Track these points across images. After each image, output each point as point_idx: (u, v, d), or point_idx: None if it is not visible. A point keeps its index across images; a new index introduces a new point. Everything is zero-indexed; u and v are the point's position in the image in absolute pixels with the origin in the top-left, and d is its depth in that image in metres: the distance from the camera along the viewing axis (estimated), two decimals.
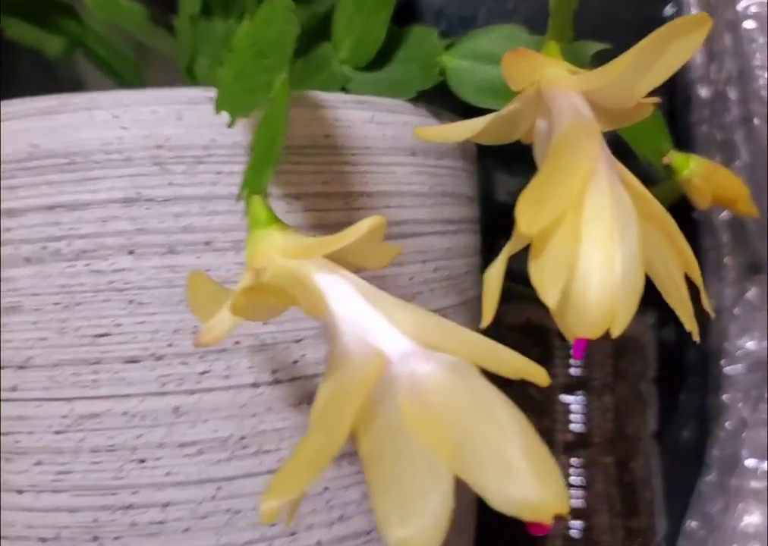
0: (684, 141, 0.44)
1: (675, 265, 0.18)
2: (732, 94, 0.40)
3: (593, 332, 0.16)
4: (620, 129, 0.26)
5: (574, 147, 0.17)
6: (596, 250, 0.16)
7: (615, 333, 0.16)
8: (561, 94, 0.19)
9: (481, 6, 0.44)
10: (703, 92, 0.41)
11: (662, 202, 0.32)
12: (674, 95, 0.44)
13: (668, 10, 0.44)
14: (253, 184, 0.18)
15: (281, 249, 0.17)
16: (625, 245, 0.17)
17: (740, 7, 0.38)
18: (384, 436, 0.16)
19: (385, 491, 0.15)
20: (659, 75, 0.18)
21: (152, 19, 0.39)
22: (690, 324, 0.17)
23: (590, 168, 0.17)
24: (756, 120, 0.39)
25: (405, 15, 0.44)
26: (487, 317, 0.18)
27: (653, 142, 0.27)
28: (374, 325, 0.17)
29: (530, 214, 0.16)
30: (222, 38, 0.35)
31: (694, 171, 0.27)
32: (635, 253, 0.17)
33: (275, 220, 0.18)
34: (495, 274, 0.17)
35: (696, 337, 0.17)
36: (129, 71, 0.36)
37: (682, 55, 0.18)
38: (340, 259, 0.18)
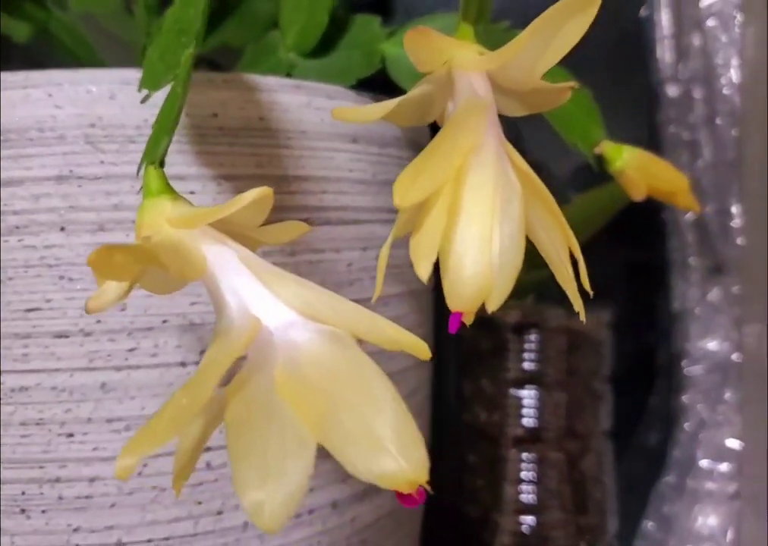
0: (654, 141, 0.44)
1: (561, 244, 0.18)
2: (697, 93, 0.39)
3: (467, 306, 0.16)
4: (549, 116, 0.27)
5: (461, 124, 0.17)
6: (474, 225, 0.16)
7: (491, 308, 0.17)
8: (464, 75, 0.19)
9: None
10: (671, 91, 0.41)
11: (614, 202, 0.32)
12: (646, 97, 0.44)
13: (643, 11, 0.44)
14: (149, 154, 0.18)
15: (170, 218, 0.17)
16: (506, 221, 0.17)
17: (703, 4, 0.38)
18: (254, 403, 0.16)
19: (247, 455, 0.15)
20: (555, 54, 0.18)
21: (126, 8, 0.40)
22: (575, 302, 0.17)
23: (473, 144, 0.17)
24: (719, 120, 0.39)
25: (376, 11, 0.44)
26: (377, 292, 0.18)
27: (584, 130, 0.27)
28: (256, 295, 0.17)
29: (405, 187, 0.16)
30: None
31: (627, 161, 0.27)
32: (516, 230, 0.17)
33: (167, 190, 0.18)
34: (384, 252, 0.18)
35: (582, 317, 0.17)
36: (91, 58, 0.36)
37: (575, 34, 0.18)
38: (237, 234, 0.18)
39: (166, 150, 0.19)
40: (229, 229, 0.18)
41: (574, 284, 0.17)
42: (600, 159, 0.28)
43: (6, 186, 0.25)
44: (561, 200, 0.39)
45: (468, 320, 0.17)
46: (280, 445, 0.16)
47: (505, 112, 0.21)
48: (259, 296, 0.17)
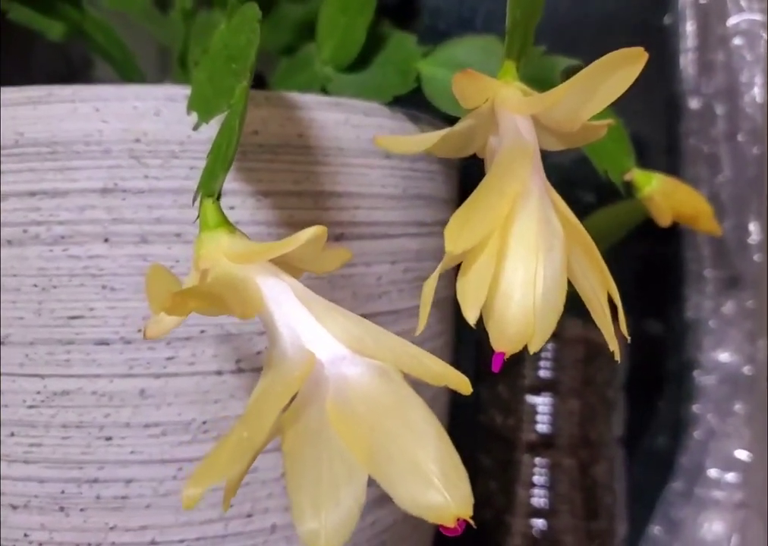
0: (674, 152, 0.44)
1: (600, 287, 0.18)
2: (719, 109, 0.40)
3: (511, 347, 0.17)
4: (583, 146, 0.27)
5: (507, 170, 0.18)
6: (519, 269, 0.17)
7: (533, 349, 0.17)
8: (508, 115, 0.20)
9: (480, 6, 0.45)
10: (693, 104, 0.42)
11: (632, 217, 0.33)
12: (668, 107, 0.45)
13: (667, 19, 0.45)
14: (206, 187, 0.19)
15: (227, 252, 0.18)
16: (549, 265, 0.17)
17: (730, 23, 0.38)
18: (307, 434, 0.17)
19: (302, 486, 0.16)
20: (600, 102, 0.19)
21: (161, 8, 0.40)
22: (611, 343, 0.18)
23: (519, 191, 0.17)
24: (740, 136, 0.39)
25: (403, 13, 0.45)
26: (420, 325, 0.19)
27: (615, 159, 0.27)
28: (308, 329, 0.18)
29: (456, 233, 0.17)
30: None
31: (656, 188, 0.28)
32: (558, 274, 0.18)
33: (224, 223, 0.19)
34: (430, 286, 0.18)
35: (617, 357, 0.18)
36: (125, 58, 0.37)
37: (621, 85, 0.18)
38: (285, 264, 0.19)
39: (222, 184, 0.19)
40: (279, 260, 0.19)
41: (611, 327, 0.18)
42: (629, 185, 0.28)
43: (52, 197, 0.26)
44: (585, 211, 0.40)
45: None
46: (332, 475, 0.16)
47: (543, 147, 0.22)
48: (312, 330, 0.18)
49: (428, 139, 0.21)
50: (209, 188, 0.19)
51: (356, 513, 0.16)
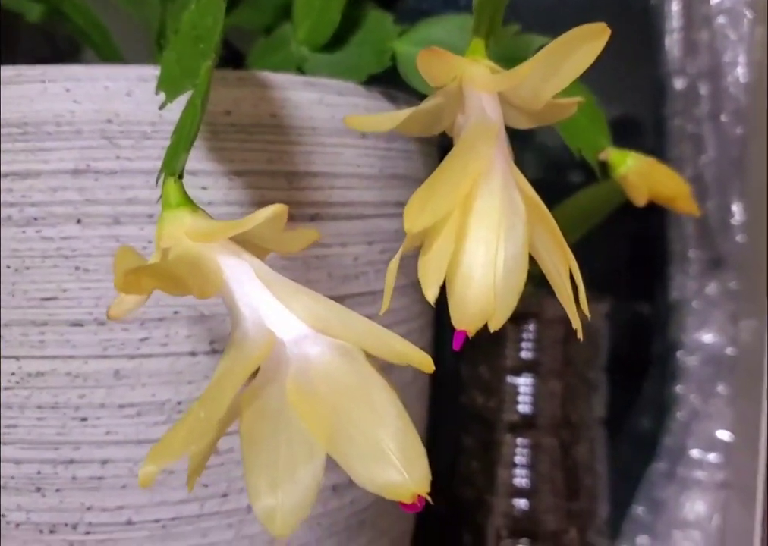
0: (659, 132, 0.44)
1: (562, 266, 0.18)
2: (703, 89, 0.40)
3: (471, 326, 0.17)
4: (555, 124, 0.27)
5: (470, 148, 0.18)
6: (480, 248, 0.17)
7: (493, 327, 0.17)
8: (474, 93, 0.20)
9: None
10: (678, 84, 0.41)
11: (615, 197, 0.33)
12: (653, 87, 0.44)
13: None
14: (169, 166, 0.19)
15: (188, 231, 0.18)
16: (510, 244, 0.17)
17: (714, 1, 0.38)
18: (266, 414, 0.17)
19: (259, 464, 0.16)
20: (564, 79, 0.19)
21: None
22: (574, 320, 0.18)
23: (481, 170, 0.17)
24: (723, 117, 0.39)
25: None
26: (384, 306, 0.19)
27: (589, 137, 0.27)
28: (269, 309, 0.18)
29: (416, 212, 0.17)
30: None
31: (631, 167, 0.28)
32: (519, 253, 0.17)
33: (186, 202, 0.19)
34: (392, 268, 0.18)
35: (580, 335, 0.18)
36: (104, 40, 0.36)
37: (584, 61, 0.18)
38: (249, 244, 0.19)
39: (185, 162, 0.19)
40: (242, 239, 0.19)
41: (573, 304, 0.18)
42: (604, 165, 0.28)
43: (24, 178, 0.26)
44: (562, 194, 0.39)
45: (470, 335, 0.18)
46: (290, 454, 0.16)
47: (511, 124, 0.22)
48: (273, 310, 0.18)
49: (396, 117, 0.21)
50: (172, 167, 0.19)
51: (314, 492, 0.16)
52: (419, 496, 0.16)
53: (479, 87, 0.20)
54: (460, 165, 0.17)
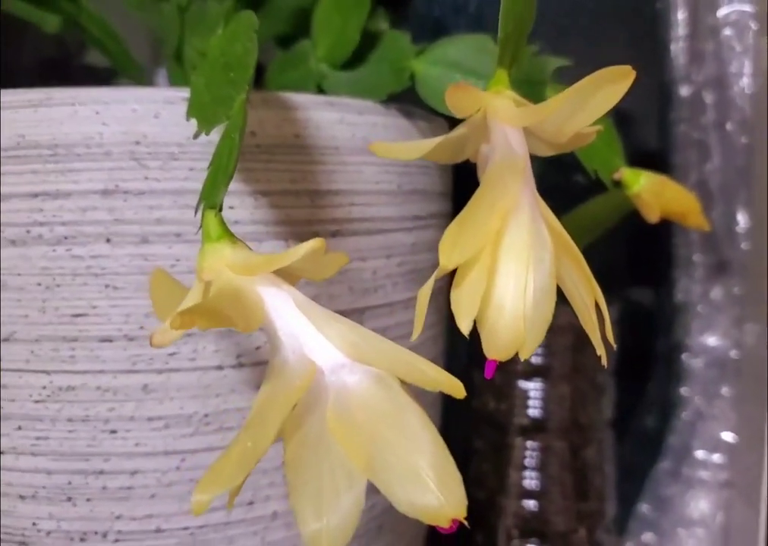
0: (665, 139, 0.45)
1: (588, 297, 0.19)
2: (709, 97, 0.40)
3: (503, 355, 0.18)
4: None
5: (498, 186, 0.18)
6: (511, 281, 0.18)
7: (524, 357, 0.18)
8: (499, 126, 0.20)
9: None
10: (684, 91, 0.42)
11: (624, 204, 0.33)
12: (659, 94, 0.45)
13: (659, 4, 0.45)
14: (208, 199, 0.20)
15: (229, 264, 0.19)
16: (538, 276, 0.18)
17: (720, 14, 0.38)
18: (308, 442, 0.18)
19: (304, 492, 0.17)
20: (589, 116, 0.19)
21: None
22: (598, 347, 0.19)
23: (509, 207, 0.18)
24: (729, 125, 0.40)
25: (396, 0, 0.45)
26: (416, 332, 0.19)
27: (604, 158, 0.28)
28: (309, 338, 0.18)
29: (450, 248, 0.17)
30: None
31: (644, 187, 0.29)
32: (547, 284, 0.18)
33: (226, 234, 0.20)
34: (425, 293, 0.19)
35: (604, 362, 0.19)
36: (120, 50, 0.37)
37: (609, 101, 0.19)
38: (284, 272, 0.20)
39: (224, 196, 0.20)
40: (279, 269, 0.20)
41: (598, 333, 0.19)
42: (619, 184, 0.29)
43: (55, 198, 0.26)
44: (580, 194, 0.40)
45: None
46: (333, 481, 0.17)
47: (533, 152, 0.23)
48: (312, 339, 0.18)
49: (422, 146, 0.22)
50: (212, 200, 0.20)
51: (356, 516, 0.17)
52: (454, 520, 0.17)
53: (504, 121, 0.20)
54: (489, 202, 0.18)
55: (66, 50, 0.58)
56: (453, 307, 0.18)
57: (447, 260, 0.17)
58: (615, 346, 0.19)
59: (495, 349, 0.18)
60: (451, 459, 0.18)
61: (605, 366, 0.18)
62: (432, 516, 0.17)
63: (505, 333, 0.18)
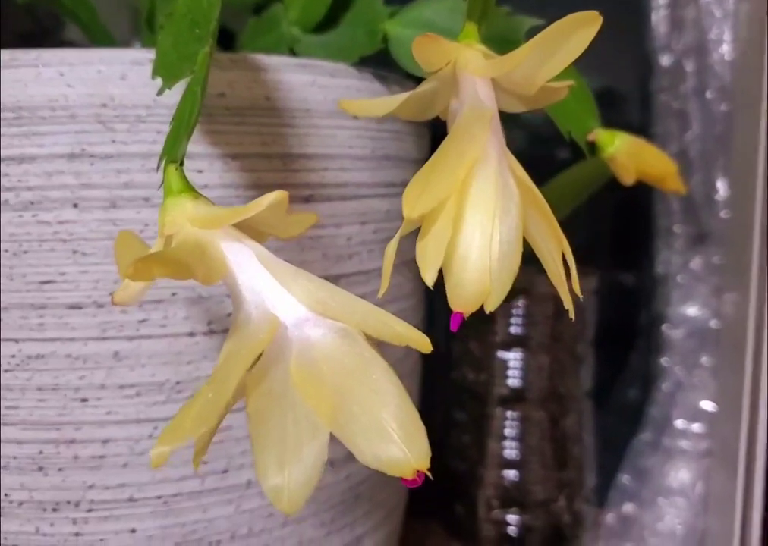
0: (645, 108, 0.45)
1: (555, 248, 0.19)
2: (689, 65, 0.40)
3: (468, 308, 0.18)
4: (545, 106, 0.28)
5: (465, 135, 0.18)
6: (476, 232, 0.18)
7: (489, 309, 0.18)
8: (468, 78, 0.20)
9: None
10: (664, 60, 0.42)
11: (602, 173, 0.33)
12: (640, 63, 0.45)
13: None
14: (170, 153, 0.19)
15: (191, 218, 0.18)
16: (505, 228, 0.18)
17: None
18: (271, 395, 0.17)
19: (267, 445, 0.17)
20: (557, 65, 0.19)
21: None
22: (566, 301, 0.19)
23: (476, 156, 0.18)
24: (709, 93, 0.39)
25: None
26: (383, 287, 0.19)
27: (578, 119, 0.28)
28: (272, 293, 0.18)
29: (414, 198, 0.17)
30: None
31: (619, 148, 0.28)
32: (514, 236, 0.18)
33: (188, 188, 0.19)
34: (390, 251, 0.19)
35: (571, 314, 0.19)
36: (92, 20, 0.36)
37: (577, 48, 0.18)
38: (249, 229, 0.19)
39: (186, 150, 0.19)
40: (242, 224, 0.19)
41: (566, 285, 0.19)
42: (592, 145, 0.29)
43: (20, 163, 0.26)
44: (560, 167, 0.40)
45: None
46: (296, 434, 0.17)
47: (503, 108, 0.22)
48: (275, 293, 0.18)
49: (391, 102, 0.22)
50: (173, 154, 0.19)
51: (319, 470, 0.17)
52: (419, 471, 0.17)
53: (473, 72, 0.20)
54: (456, 152, 0.18)
55: (41, 26, 0.57)
56: (418, 258, 0.18)
57: (410, 209, 0.17)
58: (581, 296, 0.19)
59: (461, 301, 0.18)
60: (415, 411, 0.17)
61: (573, 318, 0.18)
62: (396, 468, 0.17)
63: (470, 284, 0.18)
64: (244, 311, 0.18)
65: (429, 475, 0.17)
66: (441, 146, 0.18)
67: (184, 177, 0.19)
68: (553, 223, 0.18)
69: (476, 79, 0.20)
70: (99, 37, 0.39)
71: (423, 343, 0.18)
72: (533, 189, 0.18)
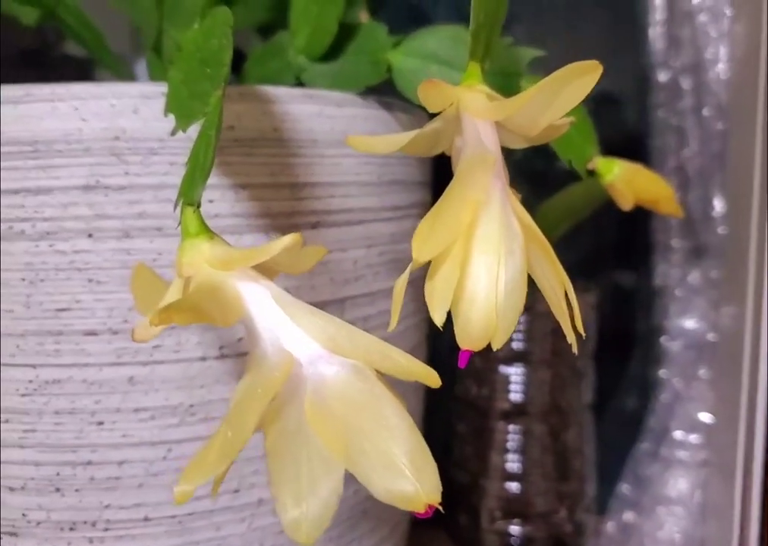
0: (643, 123, 0.45)
1: (557, 284, 0.20)
2: (686, 83, 0.41)
3: (476, 346, 0.19)
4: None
5: (468, 180, 0.19)
6: (482, 273, 0.19)
7: (496, 346, 0.19)
8: (471, 120, 0.21)
9: None
10: (662, 76, 0.43)
11: (602, 192, 0.34)
12: (637, 79, 0.45)
13: None
14: (186, 195, 0.20)
15: (208, 259, 0.19)
16: (510, 268, 0.19)
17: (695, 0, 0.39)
18: (287, 432, 0.18)
19: (284, 480, 0.18)
20: (559, 110, 0.20)
21: None
22: (569, 335, 0.20)
23: (480, 200, 0.19)
24: (705, 111, 0.40)
25: None
26: (393, 323, 0.20)
27: (578, 148, 0.28)
28: (287, 331, 0.19)
29: (422, 242, 0.18)
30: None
31: (617, 175, 0.29)
32: (518, 275, 0.19)
33: (204, 230, 0.20)
34: (400, 285, 0.20)
35: (575, 349, 0.19)
36: (97, 41, 0.37)
37: (578, 94, 0.19)
38: (263, 266, 0.20)
39: (202, 192, 0.20)
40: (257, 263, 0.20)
41: (568, 318, 0.20)
42: (592, 173, 0.29)
43: (36, 194, 0.27)
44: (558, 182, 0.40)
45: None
46: (311, 469, 0.18)
47: (505, 145, 0.23)
48: (290, 332, 0.19)
49: (398, 140, 0.22)
50: (190, 196, 0.20)
51: (334, 504, 0.18)
52: (429, 505, 0.18)
53: (475, 115, 0.21)
54: (460, 196, 0.19)
55: (45, 41, 0.57)
56: (427, 299, 0.19)
57: (418, 254, 0.18)
58: (584, 334, 0.19)
59: (469, 339, 0.19)
60: (425, 446, 0.18)
61: (576, 353, 0.19)
62: (408, 502, 0.17)
63: (477, 324, 0.19)
64: (260, 348, 0.19)
65: (441, 508, 0.18)
66: (446, 191, 0.19)
67: (201, 220, 0.20)
68: (555, 260, 0.19)
69: (478, 121, 0.21)
70: (102, 57, 0.40)
71: (430, 378, 0.19)
72: (534, 229, 0.19)
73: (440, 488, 0.18)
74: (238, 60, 0.39)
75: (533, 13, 0.46)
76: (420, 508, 0.17)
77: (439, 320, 0.18)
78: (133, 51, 0.49)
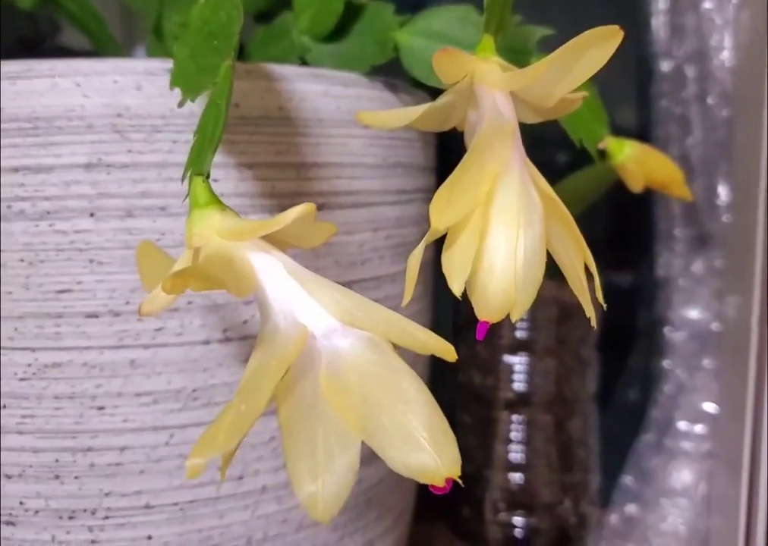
0: (646, 113, 0.45)
1: (577, 259, 0.19)
2: (690, 71, 0.41)
3: (494, 317, 0.18)
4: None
5: (487, 149, 0.18)
6: (501, 244, 0.18)
7: (515, 318, 0.18)
8: (487, 91, 0.20)
9: None
10: (665, 66, 0.42)
11: (608, 178, 0.34)
12: (640, 68, 0.45)
13: None
14: (195, 166, 0.20)
15: (219, 230, 0.19)
16: (528, 239, 0.18)
17: None
18: (302, 405, 0.18)
19: (299, 454, 0.17)
20: (576, 79, 0.19)
21: None
22: (588, 309, 0.19)
23: (499, 170, 0.18)
24: (710, 99, 0.40)
25: None
26: (407, 298, 0.19)
27: (589, 127, 0.28)
28: (301, 303, 0.18)
29: (440, 211, 0.17)
30: None
31: (629, 156, 0.29)
32: (537, 247, 0.18)
33: (215, 201, 0.19)
34: (416, 258, 0.19)
35: (593, 323, 0.19)
36: (98, 26, 0.36)
37: (597, 62, 0.19)
38: (273, 239, 0.20)
39: (211, 162, 0.20)
40: (267, 235, 0.20)
41: (588, 294, 0.19)
42: (603, 153, 0.29)
43: (36, 172, 0.26)
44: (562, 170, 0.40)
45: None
46: (327, 443, 0.17)
47: (519, 119, 0.23)
48: (304, 304, 0.18)
49: (409, 113, 0.22)
50: (199, 167, 0.19)
51: (351, 479, 0.17)
52: (448, 478, 0.17)
53: (491, 85, 0.20)
54: (478, 165, 0.18)
55: (40, 31, 0.57)
56: (445, 269, 0.18)
57: (438, 222, 0.17)
58: (605, 305, 0.19)
59: (487, 310, 0.18)
60: (444, 419, 0.18)
61: (594, 326, 0.19)
62: (427, 476, 0.17)
63: (496, 294, 0.18)
64: (272, 321, 0.19)
65: (460, 482, 0.17)
66: (463, 159, 0.19)
67: (210, 190, 0.20)
68: (575, 232, 0.19)
69: (495, 92, 0.20)
70: (103, 42, 0.40)
71: (446, 351, 0.19)
72: (555, 199, 0.19)
73: (459, 461, 0.17)
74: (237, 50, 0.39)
75: (536, 2, 0.46)
76: (439, 481, 0.17)
77: (457, 290, 0.18)
78: (128, 39, 0.48)
